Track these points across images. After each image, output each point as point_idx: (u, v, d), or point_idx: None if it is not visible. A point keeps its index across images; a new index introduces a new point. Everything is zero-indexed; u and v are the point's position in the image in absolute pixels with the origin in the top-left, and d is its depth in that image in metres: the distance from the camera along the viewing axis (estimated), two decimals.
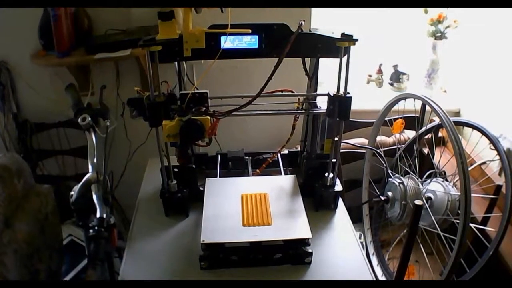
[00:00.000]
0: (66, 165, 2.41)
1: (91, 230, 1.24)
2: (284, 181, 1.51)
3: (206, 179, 1.50)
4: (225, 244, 1.23)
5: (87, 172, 1.35)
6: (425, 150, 2.11)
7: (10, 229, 1.39)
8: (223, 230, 1.25)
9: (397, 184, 1.74)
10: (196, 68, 1.69)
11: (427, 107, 1.98)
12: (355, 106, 1.33)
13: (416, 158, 1.86)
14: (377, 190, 2.01)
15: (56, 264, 1.60)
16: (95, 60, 1.96)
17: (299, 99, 1.44)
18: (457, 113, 2.50)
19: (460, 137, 1.52)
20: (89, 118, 1.48)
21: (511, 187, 1.58)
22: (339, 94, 1.31)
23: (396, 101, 1.90)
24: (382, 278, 1.94)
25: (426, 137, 2.07)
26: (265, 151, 1.69)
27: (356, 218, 1.60)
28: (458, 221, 1.50)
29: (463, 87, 2.49)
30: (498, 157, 1.72)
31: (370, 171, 2.16)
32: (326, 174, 1.48)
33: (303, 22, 1.24)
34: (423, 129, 1.99)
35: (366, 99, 2.48)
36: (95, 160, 1.48)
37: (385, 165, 1.85)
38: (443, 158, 1.96)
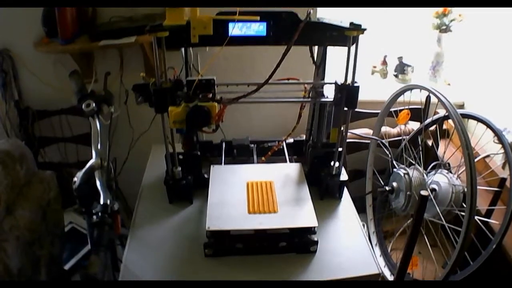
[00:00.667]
0: (68, 152, 2.39)
1: (94, 216, 1.22)
2: (290, 169, 1.50)
3: (211, 166, 1.49)
4: (230, 232, 1.22)
5: (90, 159, 1.34)
6: (429, 142, 2.10)
7: (12, 216, 1.38)
8: (228, 218, 1.24)
9: (402, 174, 1.73)
10: (201, 56, 1.67)
11: (432, 99, 1.98)
12: (359, 96, 1.32)
13: (421, 150, 1.85)
14: (381, 181, 2.00)
15: (57, 250, 1.60)
16: (99, 47, 1.93)
17: (305, 87, 1.43)
18: (461, 106, 2.48)
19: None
20: (94, 104, 1.47)
21: None
22: (347, 83, 1.30)
23: (402, 91, 1.88)
24: (384, 269, 1.93)
25: (431, 129, 2.05)
26: (271, 139, 1.68)
27: (359, 208, 1.58)
28: (462, 213, 1.49)
29: (467, 81, 2.47)
30: (502, 150, 1.71)
31: (374, 161, 2.14)
32: (332, 163, 1.46)
33: (311, 11, 1.22)
34: (429, 120, 1.97)
35: (371, 90, 2.46)
36: (99, 147, 1.47)
37: (390, 155, 1.84)
38: (447, 150, 1.94)
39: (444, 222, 1.58)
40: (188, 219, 1.43)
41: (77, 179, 1.36)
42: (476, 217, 1.56)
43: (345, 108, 1.33)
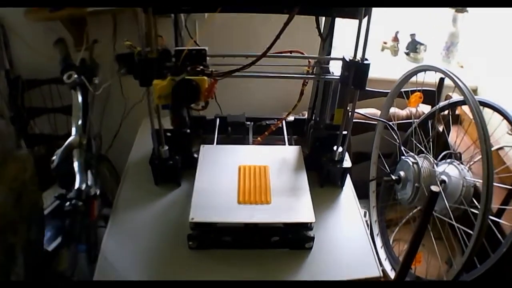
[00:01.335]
0: (58, 123, 2.22)
1: (67, 203, 1.08)
2: (288, 153, 1.34)
3: (201, 146, 1.33)
4: (217, 224, 1.07)
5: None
6: (440, 128, 1.92)
7: None
8: (216, 208, 1.09)
9: (411, 164, 1.56)
10: (199, 24, 1.50)
11: (446, 83, 1.81)
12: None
13: (432, 136, 1.67)
14: (387, 167, 1.83)
15: (35, 235, 1.44)
16: (89, 13, 1.76)
17: (309, 62, 1.25)
18: (474, 91, 2.29)
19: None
20: (75, 76, 1.32)
21: None
22: (356, 59, 1.12)
23: (415, 72, 1.70)
24: (385, 262, 1.78)
25: (441, 114, 1.87)
26: (269, 116, 1.52)
27: (361, 194, 1.43)
28: (472, 211, 1.34)
29: (481, 64, 2.27)
30: None
31: (380, 144, 1.97)
32: (335, 148, 1.30)
33: None
34: (443, 104, 1.78)
35: (380, 67, 2.26)
36: (79, 122, 1.31)
37: (398, 140, 1.67)
38: (459, 139, 1.77)
39: (454, 222, 1.41)
40: (174, 203, 1.28)
41: (56, 157, 1.22)
42: None
43: (353, 88, 1.16)
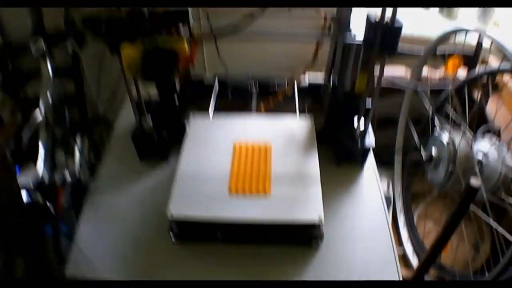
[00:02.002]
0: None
1: (25, 194, 0.87)
2: (296, 125, 1.08)
3: (191, 117, 1.09)
4: (198, 220, 0.85)
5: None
6: (476, 98, 1.62)
7: None
8: (201, 199, 0.87)
9: (445, 142, 1.29)
10: None
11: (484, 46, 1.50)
12: None
13: (470, 107, 1.38)
14: (416, 138, 1.56)
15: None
16: None
17: (325, 18, 0.97)
18: None
19: None
20: (43, 43, 1.14)
21: None
22: (385, 20, 0.84)
23: (453, 32, 1.40)
24: (407, 244, 1.55)
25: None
26: (279, 80, 1.25)
27: (385, 162, 1.17)
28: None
29: None
30: None
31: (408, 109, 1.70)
32: (356, 122, 1.04)
33: None
34: (483, 70, 1.47)
35: (408, 23, 1.92)
36: (48, 95, 1.08)
37: (431, 111, 1.40)
38: (498, 113, 1.46)
39: (491, 222, 1.15)
40: (160, 182, 1.05)
41: (24, 135, 1.01)
42: None
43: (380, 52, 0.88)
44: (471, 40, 1.49)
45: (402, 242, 1.57)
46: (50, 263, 0.94)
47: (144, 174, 1.08)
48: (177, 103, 1.07)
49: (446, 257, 1.41)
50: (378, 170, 1.13)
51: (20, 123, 1.52)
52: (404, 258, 1.54)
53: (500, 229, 1.14)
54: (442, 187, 1.32)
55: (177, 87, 1.08)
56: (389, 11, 0.83)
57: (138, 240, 0.93)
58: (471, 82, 1.50)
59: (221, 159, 0.95)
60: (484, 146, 1.24)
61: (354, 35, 0.95)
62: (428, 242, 1.52)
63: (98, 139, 1.61)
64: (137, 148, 1.08)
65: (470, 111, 1.37)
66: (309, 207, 0.86)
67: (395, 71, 1.74)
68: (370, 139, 1.08)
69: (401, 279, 0.89)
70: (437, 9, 2.03)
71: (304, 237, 0.89)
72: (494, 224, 1.14)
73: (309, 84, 1.25)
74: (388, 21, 0.84)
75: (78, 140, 1.55)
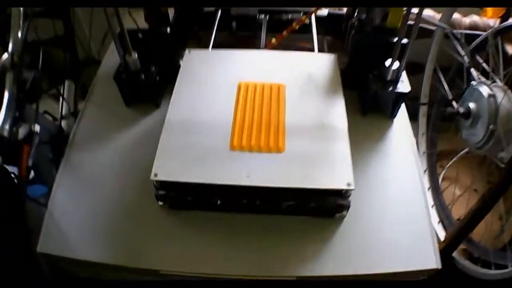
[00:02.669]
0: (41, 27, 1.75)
1: None
2: (317, 66, 0.85)
3: (186, 52, 0.86)
4: (191, 184, 0.64)
5: None
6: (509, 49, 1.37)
7: None
8: (194, 157, 0.66)
9: (486, 95, 1.06)
10: None
11: None
12: None
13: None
14: (447, 89, 1.33)
15: None
16: None
17: None
18: None
19: None
20: None
21: None
22: None
23: None
24: (432, 210, 1.35)
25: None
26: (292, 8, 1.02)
27: (408, 114, 0.96)
28: None
29: None
30: None
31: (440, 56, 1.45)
32: (388, 63, 0.82)
33: None
34: None
35: None
36: (19, 34, 0.87)
37: (465, 57, 1.16)
38: None
39: None
40: (149, 133, 0.84)
41: None
42: None
43: None
44: None
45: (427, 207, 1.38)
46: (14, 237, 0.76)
47: (131, 123, 0.87)
48: (169, 36, 0.85)
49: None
50: None
51: None
52: None
53: None
54: (479, 148, 1.11)
55: (170, 16, 0.86)
56: None
57: (122, 204, 0.74)
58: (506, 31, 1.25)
59: (221, 105, 0.73)
60: None
61: None
62: (455, 210, 1.32)
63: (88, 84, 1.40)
64: (122, 91, 0.86)
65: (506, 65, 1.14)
66: (334, 170, 0.65)
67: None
68: (404, 85, 0.86)
69: (437, 257, 0.70)
70: None
71: (326, 207, 0.69)
72: None
73: (328, 14, 1.02)
74: None
75: (66, 85, 1.35)
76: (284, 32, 0.93)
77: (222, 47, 0.89)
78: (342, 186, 0.63)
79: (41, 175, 1.00)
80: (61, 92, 1.29)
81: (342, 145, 0.67)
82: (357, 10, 0.92)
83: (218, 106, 0.72)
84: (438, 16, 1.48)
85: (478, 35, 1.38)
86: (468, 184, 1.37)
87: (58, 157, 0.86)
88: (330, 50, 0.98)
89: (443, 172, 1.44)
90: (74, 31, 1.43)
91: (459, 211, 1.31)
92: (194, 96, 0.75)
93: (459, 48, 1.29)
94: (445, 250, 1.06)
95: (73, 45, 1.44)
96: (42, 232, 0.74)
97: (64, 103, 1.17)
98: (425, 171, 1.43)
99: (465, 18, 1.54)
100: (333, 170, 0.65)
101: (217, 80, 0.78)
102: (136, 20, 0.83)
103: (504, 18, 1.30)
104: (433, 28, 1.44)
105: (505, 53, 1.26)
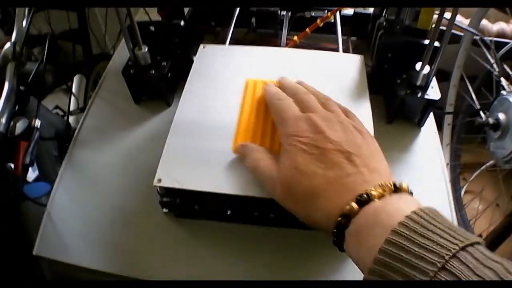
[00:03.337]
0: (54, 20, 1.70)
1: None
2: (342, 65, 0.77)
3: (200, 46, 0.79)
4: (198, 192, 0.56)
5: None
6: None
7: None
8: (203, 163, 0.58)
9: None
10: None
11: None
12: None
13: None
14: (473, 95, 1.25)
15: None
16: None
17: None
18: None
19: None
20: None
21: None
22: None
23: None
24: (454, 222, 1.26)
25: None
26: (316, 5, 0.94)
27: None
28: None
29: None
30: None
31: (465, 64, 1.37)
32: (418, 66, 0.74)
33: None
34: None
35: None
36: (23, 23, 0.81)
37: (495, 65, 1.08)
38: None
39: None
40: (158, 133, 0.77)
41: None
42: None
43: None
44: None
45: None
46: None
47: (139, 122, 0.80)
48: (183, 29, 0.78)
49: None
50: None
51: None
52: None
53: None
54: (507, 161, 1.02)
55: (185, 9, 0.79)
56: None
57: (125, 213, 0.67)
58: None
59: (236, 107, 0.66)
60: None
61: None
62: (477, 226, 1.23)
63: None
64: (130, 87, 0.80)
65: None
66: None
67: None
68: (434, 91, 0.78)
69: None
70: None
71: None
72: None
73: (354, 13, 0.94)
74: None
75: (77, 80, 1.30)
76: (308, 29, 0.86)
77: (240, 44, 0.82)
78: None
79: (45, 173, 0.95)
80: (75, 86, 1.23)
81: None
82: (385, 9, 0.84)
83: (233, 108, 0.65)
84: (466, 21, 1.40)
85: (505, 43, 1.31)
86: (492, 199, 1.29)
87: (64, 154, 0.81)
88: (355, 52, 0.91)
89: (465, 185, 1.36)
90: (88, 25, 1.38)
91: (480, 226, 1.23)
92: (206, 95, 0.68)
93: (488, 56, 1.21)
94: None
95: (86, 39, 1.39)
96: (40, 234, 0.68)
97: (73, 98, 1.11)
98: (447, 183, 1.34)
99: (492, 25, 1.45)
100: None
101: (232, 78, 0.71)
102: (148, 12, 0.76)
103: None
104: (460, 33, 1.36)
105: None
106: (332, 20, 0.92)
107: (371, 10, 0.93)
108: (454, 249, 0.34)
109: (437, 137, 0.83)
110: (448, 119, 1.39)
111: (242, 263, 0.61)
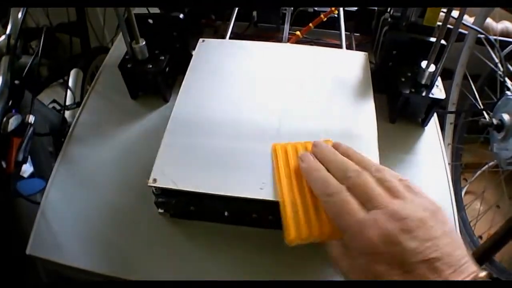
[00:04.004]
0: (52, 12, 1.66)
1: None
2: (346, 62, 0.75)
3: (200, 40, 0.76)
4: (194, 193, 0.54)
5: None
6: None
7: None
8: (200, 162, 0.55)
9: None
10: None
11: None
12: None
13: None
14: (476, 94, 1.23)
15: None
16: None
17: None
18: None
19: None
20: None
21: None
22: None
23: None
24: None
25: None
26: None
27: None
28: None
29: None
30: None
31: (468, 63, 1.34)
32: (424, 64, 0.72)
33: None
34: None
35: None
36: (19, 14, 0.79)
37: (500, 64, 1.05)
38: None
39: None
40: (155, 130, 0.75)
41: None
42: None
43: None
44: None
45: None
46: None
47: (136, 118, 0.77)
48: (182, 22, 0.75)
49: None
50: None
51: None
52: None
53: None
54: (510, 163, 1.00)
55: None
56: None
57: (119, 212, 0.65)
58: None
59: (235, 104, 0.63)
60: None
61: None
62: (478, 227, 1.21)
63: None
64: (127, 81, 0.77)
65: None
66: None
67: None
68: (439, 90, 0.75)
69: None
70: None
71: None
72: None
73: (358, 9, 0.91)
74: None
75: (73, 74, 1.27)
76: (311, 24, 0.83)
77: (241, 39, 0.80)
78: None
79: (40, 169, 0.92)
80: (71, 80, 1.21)
81: (370, 156, 0.57)
82: (390, 8, 0.82)
83: (232, 105, 0.62)
84: (470, 19, 1.38)
85: (510, 42, 1.28)
86: (493, 201, 1.27)
87: (60, 150, 0.78)
88: (358, 48, 0.88)
89: (466, 186, 1.33)
90: (87, 17, 1.35)
91: (481, 228, 1.21)
92: (204, 91, 0.65)
93: (493, 55, 1.18)
94: None
95: (85, 32, 1.36)
96: (33, 233, 0.65)
97: (70, 93, 1.09)
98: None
99: (497, 24, 1.42)
100: None
101: (232, 74, 0.68)
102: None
103: None
104: (465, 31, 1.33)
105: None
106: (336, 15, 0.89)
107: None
108: None
109: (440, 137, 0.80)
110: (450, 118, 1.37)
111: (238, 266, 0.58)
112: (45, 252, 0.63)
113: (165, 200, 0.57)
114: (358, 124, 0.63)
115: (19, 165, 0.68)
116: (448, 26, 0.68)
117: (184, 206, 0.58)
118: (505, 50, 1.23)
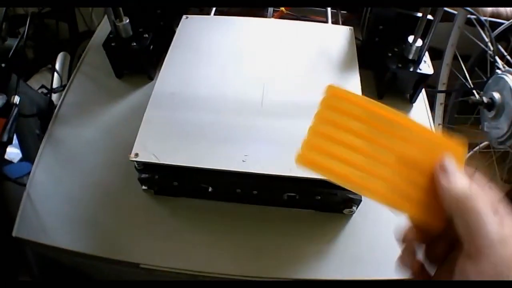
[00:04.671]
0: None
1: None
2: (331, 36, 0.73)
3: (183, 17, 0.75)
4: (177, 167, 0.53)
5: None
6: None
7: None
8: (182, 137, 0.55)
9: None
10: None
11: None
12: None
13: None
14: (466, 74, 1.21)
15: None
16: None
17: None
18: None
19: None
20: None
21: None
22: None
23: None
24: None
25: None
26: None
27: None
28: None
29: None
30: None
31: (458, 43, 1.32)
32: (411, 39, 0.71)
33: None
34: None
35: None
36: None
37: (490, 43, 1.04)
38: None
39: None
40: (139, 108, 0.72)
41: None
42: None
43: None
44: None
45: None
46: None
47: (121, 97, 0.76)
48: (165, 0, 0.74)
49: None
50: None
51: None
52: None
53: None
54: (502, 142, 0.99)
55: None
56: None
57: (104, 192, 0.64)
58: None
59: (218, 78, 0.62)
60: None
61: None
62: None
63: None
64: (112, 60, 0.76)
65: None
66: None
67: None
68: (427, 66, 0.74)
69: None
70: None
71: (334, 201, 0.58)
72: None
73: None
74: None
75: (61, 57, 1.25)
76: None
77: (225, 16, 0.78)
78: None
79: (28, 152, 0.91)
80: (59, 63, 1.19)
81: None
82: None
83: (215, 79, 0.61)
84: None
85: (500, 23, 1.27)
86: (484, 182, 1.26)
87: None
88: (344, 24, 0.87)
89: None
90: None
91: None
92: (187, 67, 0.64)
93: (483, 35, 1.17)
94: None
95: (72, 16, 1.34)
96: (19, 215, 0.64)
97: (57, 76, 1.07)
98: None
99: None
100: None
101: (215, 50, 0.67)
102: None
103: None
104: (454, 11, 1.32)
105: None
106: None
107: None
108: None
109: (429, 115, 0.80)
110: (440, 98, 1.36)
111: (224, 242, 0.58)
112: (32, 234, 0.62)
113: (148, 176, 0.56)
114: None
115: (4, 145, 0.66)
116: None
117: (167, 182, 0.57)
118: (495, 31, 1.22)
